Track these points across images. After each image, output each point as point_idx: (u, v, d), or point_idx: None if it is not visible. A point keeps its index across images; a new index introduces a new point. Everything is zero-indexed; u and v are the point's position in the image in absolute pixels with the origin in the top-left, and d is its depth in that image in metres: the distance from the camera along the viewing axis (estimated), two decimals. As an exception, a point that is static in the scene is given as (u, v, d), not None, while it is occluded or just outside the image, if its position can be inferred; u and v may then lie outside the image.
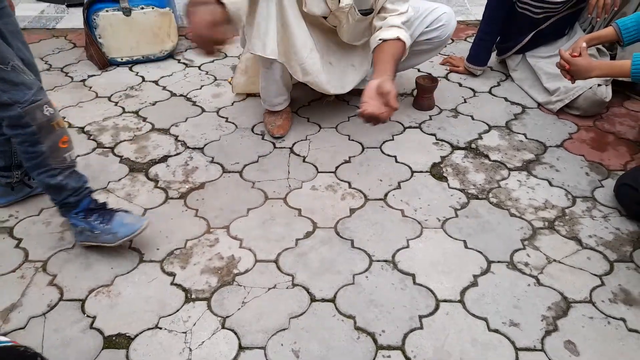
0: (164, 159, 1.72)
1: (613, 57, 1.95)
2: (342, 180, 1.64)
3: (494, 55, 2.23)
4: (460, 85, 2.15)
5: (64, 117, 1.92)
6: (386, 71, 1.39)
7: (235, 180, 1.63)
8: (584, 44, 1.50)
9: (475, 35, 2.14)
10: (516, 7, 1.95)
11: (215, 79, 2.20)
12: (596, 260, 1.33)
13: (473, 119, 1.94)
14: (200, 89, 2.14)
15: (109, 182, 1.60)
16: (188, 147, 1.78)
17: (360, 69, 1.78)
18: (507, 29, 2.05)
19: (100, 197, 1.52)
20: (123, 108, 1.99)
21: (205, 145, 1.79)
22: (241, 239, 1.40)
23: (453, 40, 2.52)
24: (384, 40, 1.49)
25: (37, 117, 1.16)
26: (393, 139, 1.84)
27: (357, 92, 1.90)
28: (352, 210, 1.51)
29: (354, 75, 1.78)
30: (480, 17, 2.10)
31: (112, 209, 1.33)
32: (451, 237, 1.42)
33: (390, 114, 1.33)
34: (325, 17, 1.61)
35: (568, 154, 1.74)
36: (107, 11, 2.11)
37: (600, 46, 1.97)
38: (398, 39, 1.50)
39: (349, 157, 1.74)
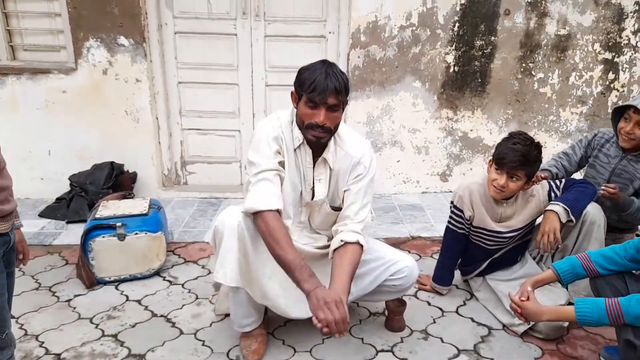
0: (136, 391, 1.71)
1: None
2: (314, 415, 1.62)
3: (458, 273, 2.42)
4: (429, 304, 2.28)
5: (42, 343, 1.94)
6: (343, 289, 1.54)
7: (205, 417, 1.60)
8: (530, 288, 1.69)
9: (438, 256, 2.36)
10: (471, 238, 2.21)
11: (197, 297, 2.30)
12: None
13: (442, 341, 2.01)
14: (182, 308, 2.22)
15: (75, 420, 1.56)
16: (161, 377, 1.78)
17: None
18: (465, 255, 2.28)
19: None
20: (103, 331, 2.03)
21: (179, 373, 1.80)
22: None
23: (420, 257, 2.75)
24: (346, 243, 1.68)
25: None
26: (366, 365, 1.87)
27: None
28: None
29: None
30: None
31: None
32: None
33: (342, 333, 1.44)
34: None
35: (536, 382, 1.78)
36: (103, 237, 2.32)
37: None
38: (358, 242, 1.68)
39: (322, 387, 1.75)
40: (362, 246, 1.70)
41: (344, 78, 1.62)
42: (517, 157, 1.91)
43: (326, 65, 1.62)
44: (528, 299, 1.66)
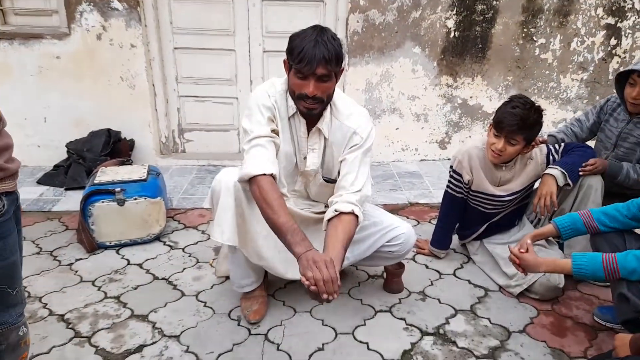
0: (140, 349, 1.74)
1: (561, 245, 2.17)
2: (315, 371, 1.66)
3: (456, 238, 2.44)
4: (427, 267, 2.31)
5: (46, 304, 1.97)
6: (336, 256, 1.45)
7: (209, 373, 1.64)
8: (529, 241, 1.71)
9: (437, 220, 2.37)
10: (469, 202, 2.22)
11: (198, 261, 2.33)
12: None
13: (440, 302, 2.05)
14: (182, 271, 2.24)
15: (81, 376, 1.60)
16: (165, 335, 1.81)
17: None
18: (463, 219, 2.29)
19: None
20: (105, 293, 2.06)
21: (181, 332, 1.83)
22: None
23: (419, 222, 2.77)
24: (340, 213, 1.59)
25: (10, 337, 1.20)
26: (365, 324, 1.91)
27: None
28: (325, 406, 1.51)
29: None
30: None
31: None
32: None
33: (333, 297, 1.36)
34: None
35: (531, 340, 1.82)
36: (102, 202, 2.32)
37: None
38: (353, 212, 1.60)
39: (322, 344, 1.79)
40: (357, 217, 1.62)
41: (335, 45, 1.53)
42: (516, 121, 1.90)
43: (317, 32, 1.53)
44: (527, 251, 1.69)
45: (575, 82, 3.52)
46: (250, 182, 1.59)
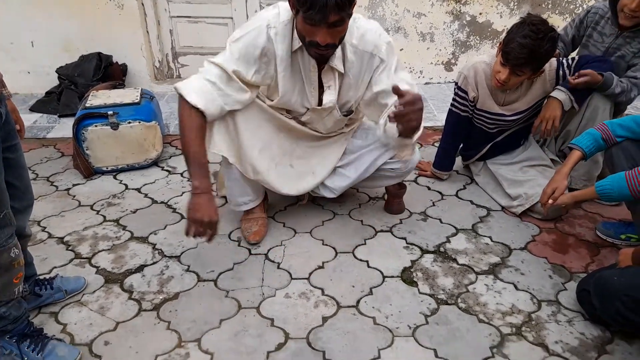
0: (140, 268, 1.75)
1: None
2: (315, 287, 1.67)
3: (459, 159, 2.39)
4: (429, 188, 2.28)
5: (45, 228, 1.97)
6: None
7: (210, 290, 1.65)
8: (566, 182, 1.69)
9: (440, 142, 2.30)
10: (473, 121, 2.14)
11: (196, 186, 2.30)
12: (563, 368, 1.35)
13: (441, 222, 2.03)
14: (181, 195, 2.22)
15: (83, 294, 1.61)
16: (165, 256, 1.81)
17: (319, 176, 1.89)
18: (467, 139, 2.22)
19: (71, 310, 1.54)
20: (104, 217, 2.05)
21: (182, 253, 1.83)
22: (212, 353, 1.40)
23: (422, 145, 2.70)
24: None
25: (2, 258, 1.18)
26: (365, 243, 1.90)
27: (332, 199, 2.03)
28: (325, 319, 1.53)
29: (311, 182, 1.89)
30: (446, 123, 2.25)
31: (46, 336, 1.34)
32: (422, 345, 1.43)
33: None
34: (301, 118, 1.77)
35: (532, 256, 1.81)
36: (95, 126, 2.25)
37: (555, 157, 2.16)
38: None
39: (323, 263, 1.79)
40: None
41: None
42: (524, 54, 1.74)
43: None
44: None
45: (592, -5, 3.29)
46: (182, 101, 1.53)
